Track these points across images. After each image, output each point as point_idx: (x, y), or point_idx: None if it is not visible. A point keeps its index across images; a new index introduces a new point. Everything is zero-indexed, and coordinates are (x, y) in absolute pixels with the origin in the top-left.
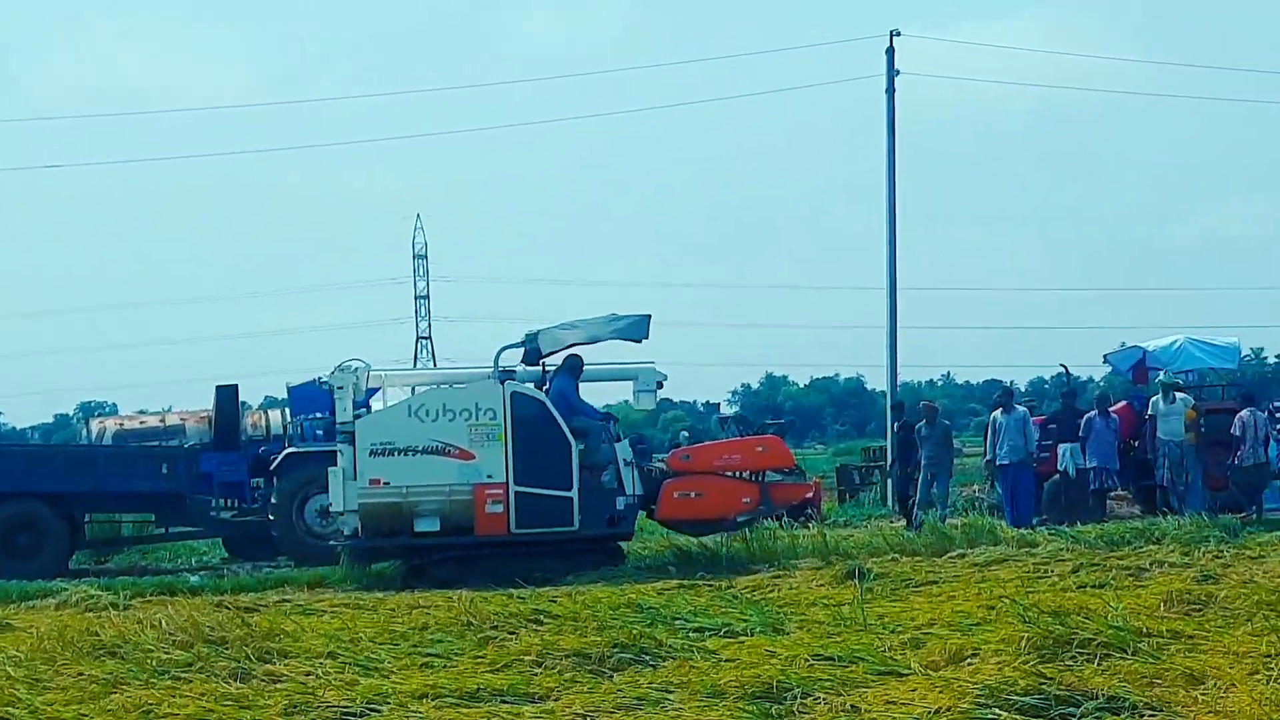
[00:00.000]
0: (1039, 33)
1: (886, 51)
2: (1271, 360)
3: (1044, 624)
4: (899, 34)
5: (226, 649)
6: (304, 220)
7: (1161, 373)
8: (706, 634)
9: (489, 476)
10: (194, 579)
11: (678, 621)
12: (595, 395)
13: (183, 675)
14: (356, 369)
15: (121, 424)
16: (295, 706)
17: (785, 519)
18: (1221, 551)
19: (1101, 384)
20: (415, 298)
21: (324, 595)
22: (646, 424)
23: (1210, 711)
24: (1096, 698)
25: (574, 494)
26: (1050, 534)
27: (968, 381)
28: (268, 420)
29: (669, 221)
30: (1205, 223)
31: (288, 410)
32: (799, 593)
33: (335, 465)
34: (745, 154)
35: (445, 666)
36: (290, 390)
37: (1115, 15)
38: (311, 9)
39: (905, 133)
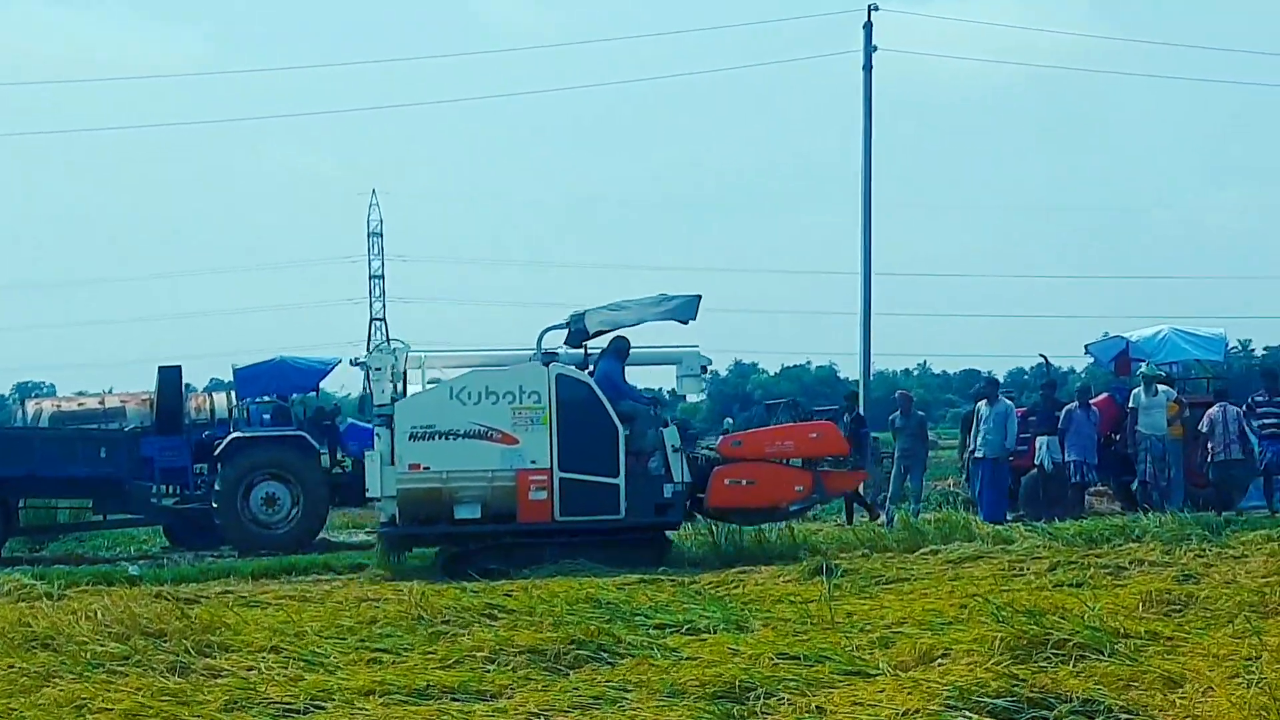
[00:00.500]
0: (1021, 9)
1: (864, 27)
2: (1259, 352)
3: (1018, 624)
4: (876, 8)
5: (165, 642)
6: (253, 196)
7: (1144, 364)
8: (667, 631)
9: (533, 462)
10: (133, 569)
11: (637, 618)
12: (635, 380)
13: (118, 669)
14: (395, 349)
15: (59, 405)
16: (236, 703)
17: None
18: (1203, 550)
19: (1083, 375)
20: (369, 277)
21: (268, 587)
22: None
23: (1188, 716)
24: (1071, 701)
25: (620, 481)
26: (1027, 530)
27: (944, 371)
28: (212, 403)
29: (634, 201)
30: (1192, 208)
31: (233, 393)
32: (764, 589)
33: (372, 449)
34: (715, 132)
35: (394, 662)
36: (236, 372)
37: None
38: None
39: (882, 112)
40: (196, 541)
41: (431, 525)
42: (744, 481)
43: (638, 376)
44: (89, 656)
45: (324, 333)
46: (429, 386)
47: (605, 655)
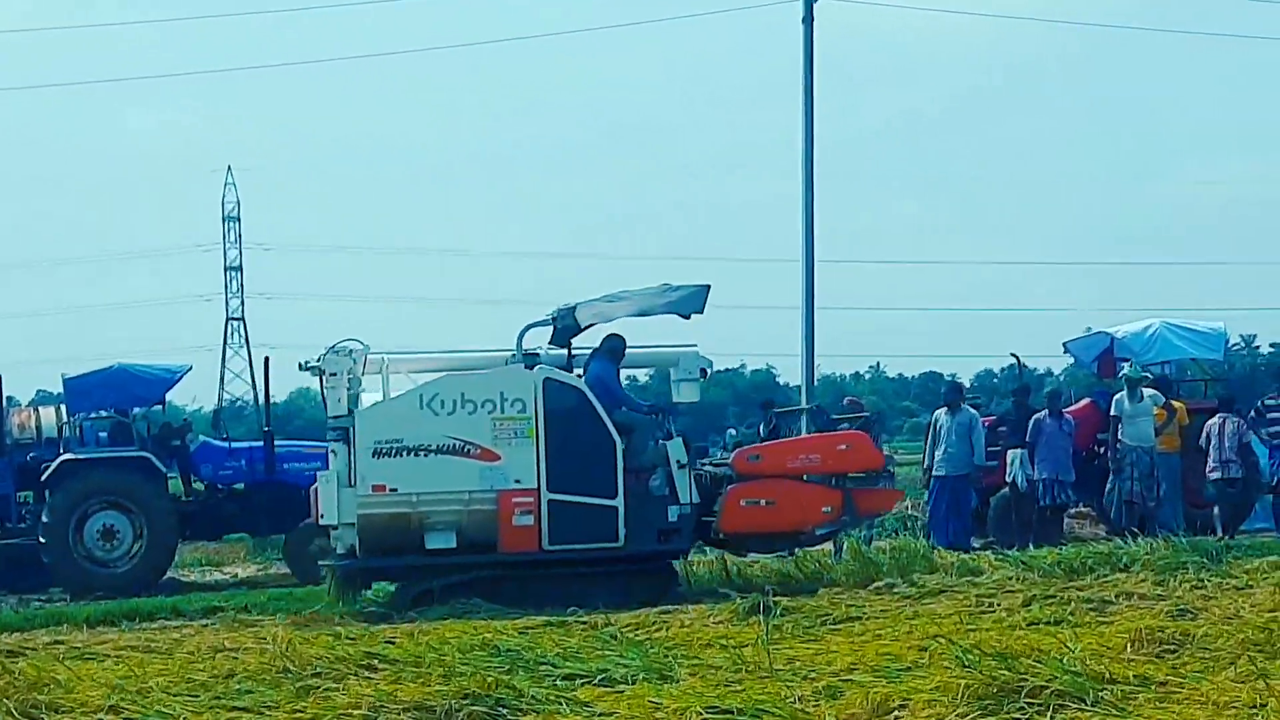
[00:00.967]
0: None
1: None
2: (1265, 350)
3: (987, 668)
4: None
5: None
6: (85, 174)
7: (1127, 365)
8: (578, 682)
9: (516, 481)
10: None
11: (543, 667)
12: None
13: None
14: (352, 351)
15: None
16: None
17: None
18: (1201, 581)
19: (1061, 377)
20: (225, 269)
21: (106, 636)
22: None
23: None
24: None
25: (619, 503)
26: (997, 560)
27: (901, 374)
28: (38, 419)
29: (538, 179)
30: (1187, 181)
31: (63, 408)
32: (692, 631)
33: (326, 468)
34: (631, 99)
35: None
36: (67, 382)
37: None
38: None
39: (827, 72)
40: (20, 583)
41: (398, 556)
42: (763, 502)
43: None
44: None
45: (171, 335)
46: (394, 395)
47: (504, 711)
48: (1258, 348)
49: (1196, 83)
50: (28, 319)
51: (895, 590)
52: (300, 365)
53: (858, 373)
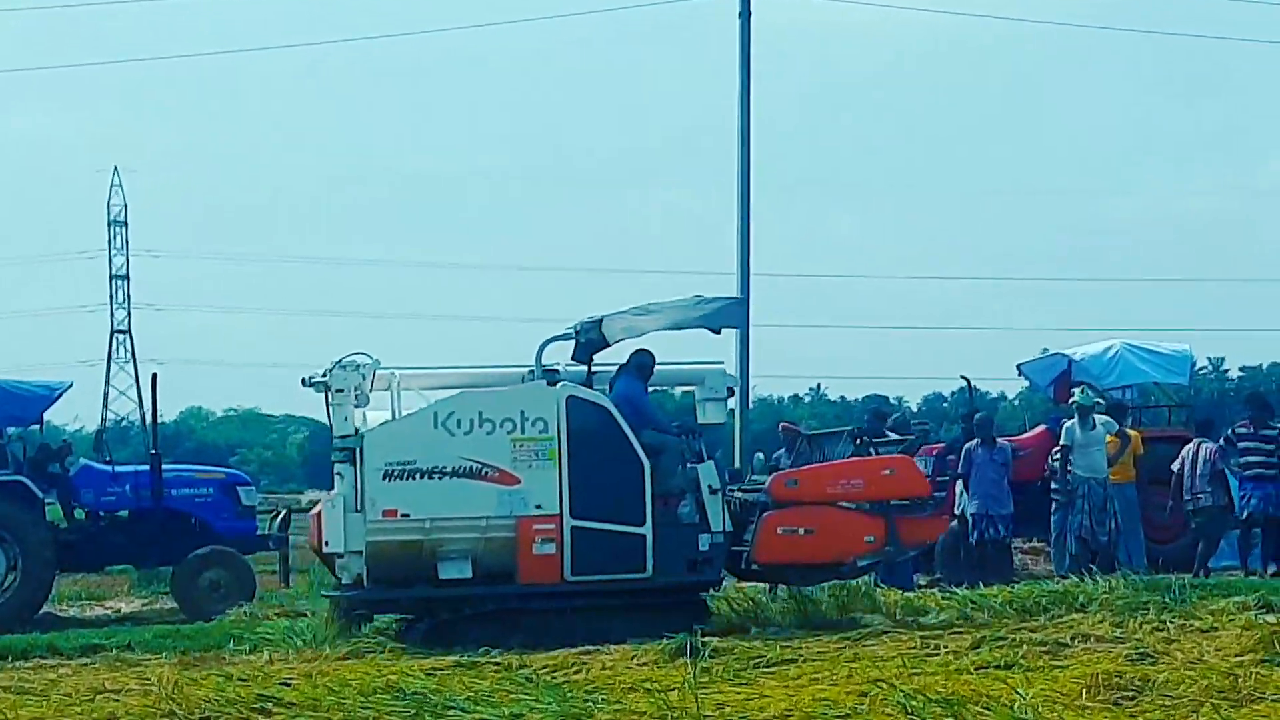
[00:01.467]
0: None
1: None
2: (1234, 373)
3: (931, 715)
4: None
5: None
6: None
7: (1078, 390)
8: None
9: (537, 507)
10: None
11: (451, 712)
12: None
13: None
14: (360, 366)
15: None
16: None
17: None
18: (1163, 622)
19: (1016, 402)
20: (110, 277)
21: None
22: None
23: None
24: None
25: (647, 530)
26: (944, 598)
27: (843, 397)
28: None
29: (446, 182)
30: (1153, 194)
31: None
32: (614, 674)
33: (331, 491)
34: (551, 97)
35: None
36: None
37: None
38: None
39: (766, 73)
40: None
41: (408, 588)
42: (801, 530)
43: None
44: None
45: (50, 349)
46: (406, 413)
47: None
48: (1226, 371)
49: (1165, 91)
50: None
51: (835, 631)
52: (304, 381)
53: (797, 395)
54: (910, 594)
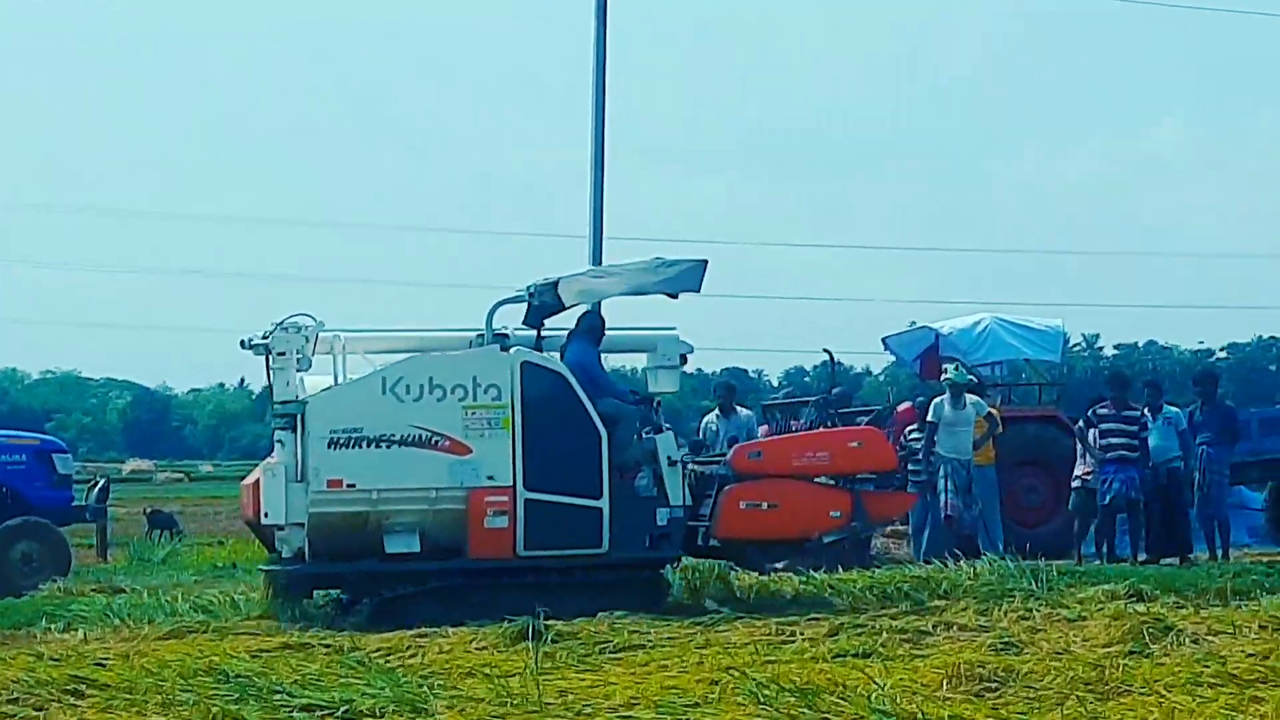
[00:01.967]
0: None
1: None
2: (1109, 351)
3: (785, 706)
4: None
5: None
6: None
7: (952, 366)
8: (317, 714)
9: (490, 478)
10: None
11: (277, 696)
12: None
13: None
14: (303, 328)
15: None
16: None
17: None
18: (1029, 611)
19: (882, 376)
20: None
21: None
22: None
23: None
24: None
25: (604, 504)
26: (801, 582)
27: (700, 370)
28: None
29: (278, 138)
30: (1034, 159)
31: None
32: (451, 658)
33: (271, 458)
34: (385, 46)
35: None
36: None
37: None
38: None
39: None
40: None
41: (352, 562)
42: (764, 504)
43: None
44: None
45: None
46: (353, 377)
47: None
48: (1100, 349)
49: (1041, 57)
50: None
51: (685, 616)
52: (242, 343)
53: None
54: (764, 577)
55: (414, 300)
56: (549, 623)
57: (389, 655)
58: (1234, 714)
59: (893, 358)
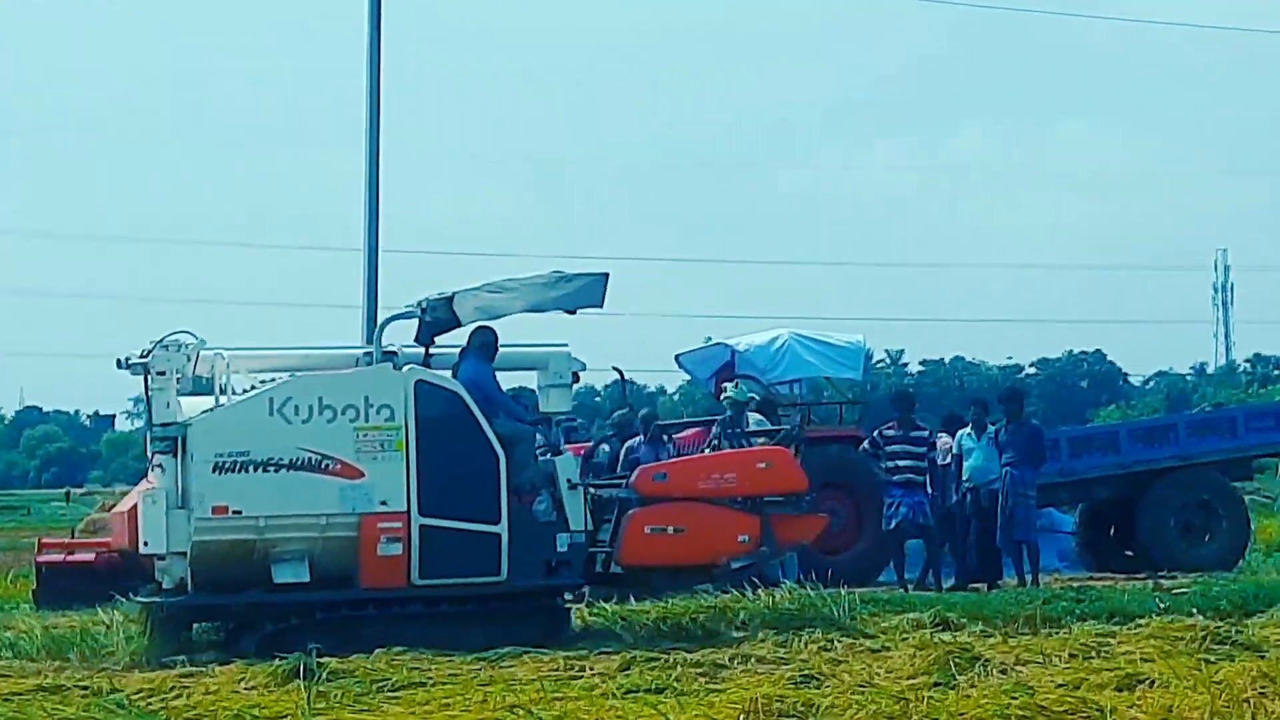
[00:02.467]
0: None
1: None
2: (915, 368)
3: None
4: None
5: None
6: None
7: (731, 385)
8: None
9: (383, 504)
10: None
11: None
12: None
13: None
14: (184, 346)
15: None
16: None
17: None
18: (830, 642)
19: (676, 396)
20: None
21: None
22: None
23: None
24: None
25: (503, 529)
26: (591, 614)
27: None
28: None
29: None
30: (832, 165)
31: None
32: (219, 699)
33: (151, 484)
34: (148, 45)
35: None
36: None
37: None
38: None
39: (395, 29)
40: None
41: (238, 593)
42: (670, 529)
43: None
44: None
45: None
46: (238, 397)
47: None
48: (905, 365)
49: (844, 57)
50: None
51: (468, 651)
52: (119, 363)
53: None
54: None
55: (185, 318)
56: (321, 660)
57: (151, 697)
58: None
59: (688, 376)
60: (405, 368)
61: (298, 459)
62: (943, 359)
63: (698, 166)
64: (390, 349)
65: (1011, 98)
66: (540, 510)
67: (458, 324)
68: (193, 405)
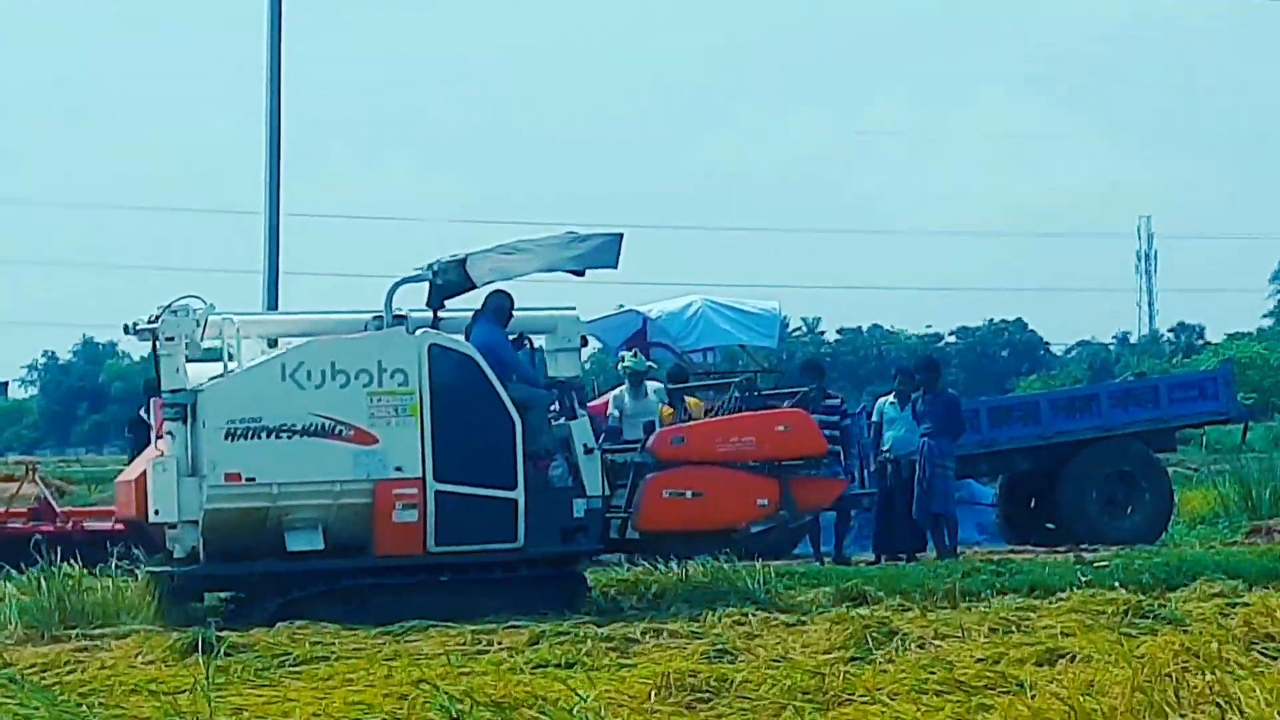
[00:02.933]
0: None
1: None
2: (832, 336)
3: None
4: None
5: None
6: None
7: (629, 353)
8: None
9: (397, 470)
10: None
11: None
12: None
13: None
14: (193, 311)
15: None
16: None
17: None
18: (745, 615)
19: (587, 365)
20: None
21: None
22: None
23: None
24: None
25: (519, 495)
26: None
27: None
28: None
29: None
30: (742, 135)
31: None
32: (115, 673)
33: (162, 453)
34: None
35: None
36: None
37: None
38: None
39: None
40: None
41: (251, 561)
42: (689, 494)
43: None
44: None
45: None
46: (250, 363)
47: None
48: (822, 333)
49: (748, 30)
50: None
51: (374, 625)
52: (126, 328)
53: None
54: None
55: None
56: (221, 633)
57: (45, 672)
58: None
59: (599, 345)
60: (418, 331)
61: (311, 425)
62: (860, 327)
63: (608, 131)
64: (401, 313)
65: (931, 63)
66: (556, 475)
67: (471, 286)
68: (199, 371)
